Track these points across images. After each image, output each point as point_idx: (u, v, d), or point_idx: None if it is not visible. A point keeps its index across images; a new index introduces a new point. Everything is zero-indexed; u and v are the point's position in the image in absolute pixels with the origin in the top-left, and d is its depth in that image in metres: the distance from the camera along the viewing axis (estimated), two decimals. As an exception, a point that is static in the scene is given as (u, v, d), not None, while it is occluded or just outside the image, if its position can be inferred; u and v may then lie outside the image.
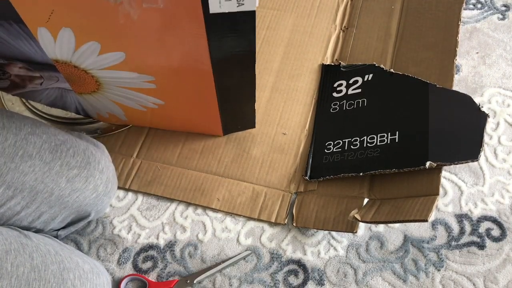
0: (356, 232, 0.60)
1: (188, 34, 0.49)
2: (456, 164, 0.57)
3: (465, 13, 0.81)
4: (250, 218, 0.66)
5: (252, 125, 0.70)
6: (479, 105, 0.60)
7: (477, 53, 0.77)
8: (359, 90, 0.71)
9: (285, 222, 0.65)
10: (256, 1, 0.45)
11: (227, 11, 0.46)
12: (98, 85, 0.58)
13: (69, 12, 0.45)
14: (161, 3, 0.44)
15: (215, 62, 0.53)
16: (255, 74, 0.56)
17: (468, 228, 0.63)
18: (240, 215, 0.66)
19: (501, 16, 0.80)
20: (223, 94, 0.61)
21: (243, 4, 0.45)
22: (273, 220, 0.65)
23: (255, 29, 0.48)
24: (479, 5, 0.82)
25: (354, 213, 0.58)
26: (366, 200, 0.63)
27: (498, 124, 0.70)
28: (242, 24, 0.47)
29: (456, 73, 0.69)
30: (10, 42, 0.49)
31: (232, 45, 0.51)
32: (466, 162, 0.57)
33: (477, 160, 0.56)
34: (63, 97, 0.63)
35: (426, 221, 0.51)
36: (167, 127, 0.73)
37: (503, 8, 0.81)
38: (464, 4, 0.73)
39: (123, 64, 0.54)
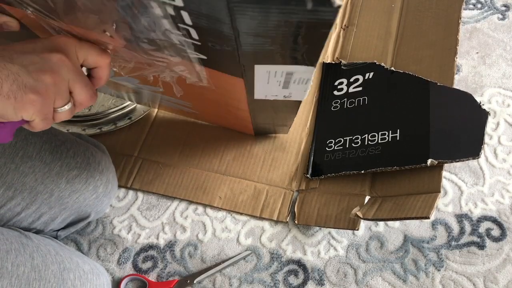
0: (358, 230, 0.60)
1: (231, 99, 0.51)
2: (457, 161, 0.57)
3: (465, 13, 0.81)
4: (250, 217, 0.66)
5: (285, 132, 0.70)
6: (480, 102, 0.60)
7: (477, 53, 0.77)
8: (360, 89, 0.71)
9: (287, 220, 0.65)
10: (306, 94, 0.46)
11: (272, 99, 0.47)
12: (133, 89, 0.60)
13: None
14: (205, 83, 0.45)
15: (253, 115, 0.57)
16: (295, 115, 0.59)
17: (468, 228, 0.63)
18: (242, 213, 0.66)
19: (501, 16, 0.80)
20: (258, 127, 0.64)
21: (290, 97, 0.46)
22: (275, 218, 0.65)
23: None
24: (479, 5, 0.82)
25: (356, 210, 0.58)
26: (367, 198, 0.63)
27: (498, 124, 0.70)
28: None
29: (456, 73, 0.69)
30: None
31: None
32: (467, 160, 0.57)
33: (478, 157, 0.56)
34: None
35: (428, 218, 0.51)
36: (201, 120, 0.74)
37: (503, 8, 0.81)
38: (464, 3, 0.73)
39: (162, 93, 0.55)
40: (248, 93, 0.46)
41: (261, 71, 0.40)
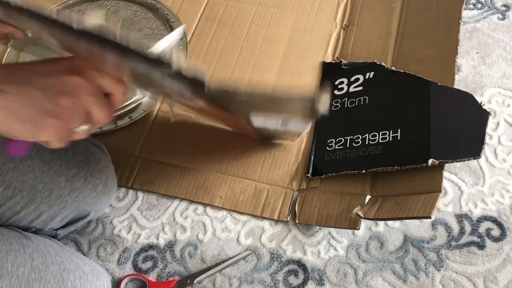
0: (358, 229, 0.60)
1: (233, 119, 0.53)
2: (458, 161, 0.57)
3: (465, 13, 0.81)
4: (250, 217, 0.66)
5: (292, 141, 0.70)
6: (481, 102, 0.60)
7: (477, 53, 0.77)
8: (361, 88, 0.71)
9: (288, 219, 0.65)
10: (307, 128, 0.47)
11: (271, 128, 0.49)
12: None
13: None
14: (207, 109, 0.46)
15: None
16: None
17: (468, 228, 0.63)
18: (242, 213, 0.66)
19: (501, 16, 0.80)
20: (263, 137, 0.65)
21: (290, 130, 0.49)
22: (275, 217, 0.65)
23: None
24: (479, 5, 0.82)
25: (357, 210, 0.58)
26: (368, 197, 0.63)
27: (498, 124, 0.70)
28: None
29: (456, 73, 0.69)
30: None
31: None
32: (468, 160, 0.57)
33: (479, 157, 0.56)
34: None
35: (429, 218, 0.52)
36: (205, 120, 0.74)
37: (503, 8, 0.81)
38: (464, 3, 0.73)
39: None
40: (248, 123, 0.47)
41: (258, 116, 0.41)
